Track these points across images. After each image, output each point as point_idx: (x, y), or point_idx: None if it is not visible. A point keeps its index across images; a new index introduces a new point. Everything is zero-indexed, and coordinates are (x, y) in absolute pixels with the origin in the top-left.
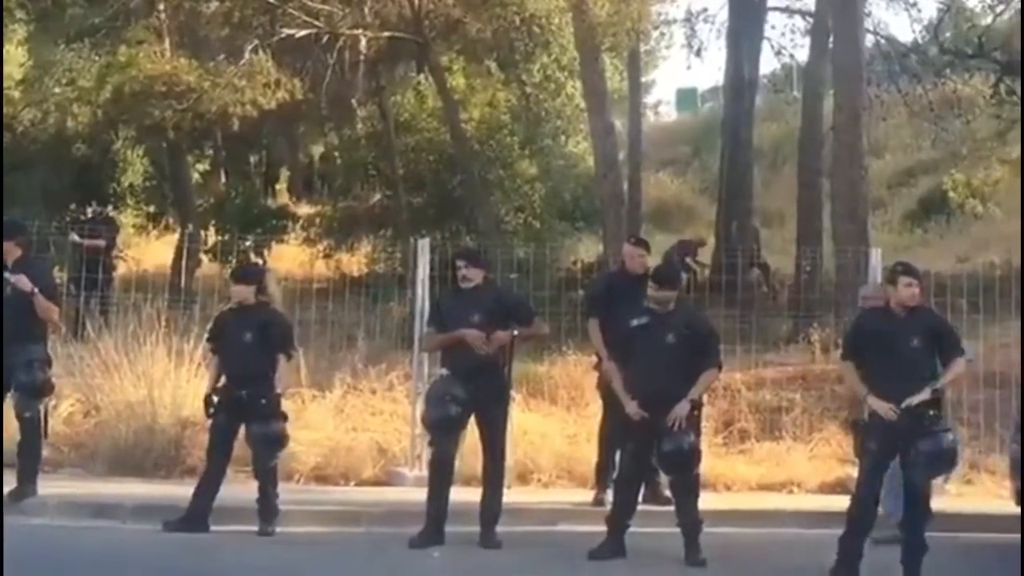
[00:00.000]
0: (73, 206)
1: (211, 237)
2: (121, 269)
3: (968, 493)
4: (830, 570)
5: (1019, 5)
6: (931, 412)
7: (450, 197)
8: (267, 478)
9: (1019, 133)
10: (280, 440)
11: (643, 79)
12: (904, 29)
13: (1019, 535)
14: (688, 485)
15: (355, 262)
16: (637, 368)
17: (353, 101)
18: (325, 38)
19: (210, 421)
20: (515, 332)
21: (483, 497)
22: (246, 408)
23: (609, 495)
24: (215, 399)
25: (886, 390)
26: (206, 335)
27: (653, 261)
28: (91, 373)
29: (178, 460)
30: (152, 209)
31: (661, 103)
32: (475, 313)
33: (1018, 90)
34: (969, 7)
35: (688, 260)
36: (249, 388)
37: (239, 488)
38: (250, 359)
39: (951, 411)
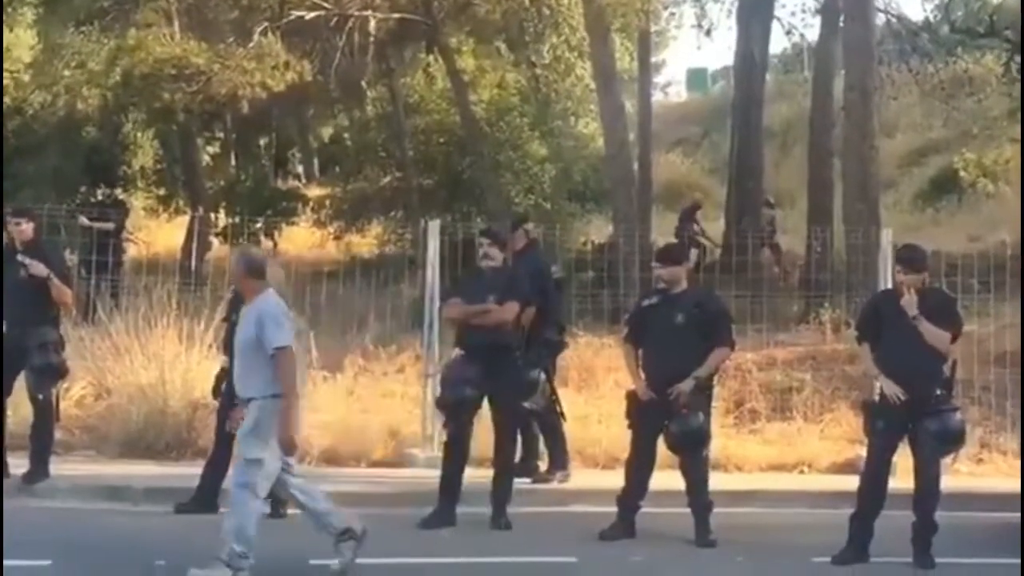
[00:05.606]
0: (83, 189)
1: (222, 219)
2: (132, 252)
3: (980, 472)
4: (841, 550)
5: None
6: (939, 391)
7: (460, 179)
8: None
9: None
10: None
11: (653, 59)
12: (915, 8)
13: None
14: (697, 466)
15: (365, 244)
16: (647, 348)
17: (363, 83)
18: (334, 20)
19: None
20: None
21: (494, 478)
22: None
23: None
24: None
25: (894, 368)
26: (222, 315)
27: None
28: (102, 356)
29: (189, 442)
30: (162, 192)
31: (671, 83)
32: (490, 293)
33: None
34: None
35: (695, 227)
36: None
37: None
38: None
39: (962, 390)
